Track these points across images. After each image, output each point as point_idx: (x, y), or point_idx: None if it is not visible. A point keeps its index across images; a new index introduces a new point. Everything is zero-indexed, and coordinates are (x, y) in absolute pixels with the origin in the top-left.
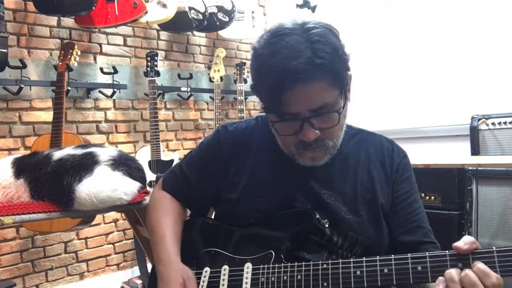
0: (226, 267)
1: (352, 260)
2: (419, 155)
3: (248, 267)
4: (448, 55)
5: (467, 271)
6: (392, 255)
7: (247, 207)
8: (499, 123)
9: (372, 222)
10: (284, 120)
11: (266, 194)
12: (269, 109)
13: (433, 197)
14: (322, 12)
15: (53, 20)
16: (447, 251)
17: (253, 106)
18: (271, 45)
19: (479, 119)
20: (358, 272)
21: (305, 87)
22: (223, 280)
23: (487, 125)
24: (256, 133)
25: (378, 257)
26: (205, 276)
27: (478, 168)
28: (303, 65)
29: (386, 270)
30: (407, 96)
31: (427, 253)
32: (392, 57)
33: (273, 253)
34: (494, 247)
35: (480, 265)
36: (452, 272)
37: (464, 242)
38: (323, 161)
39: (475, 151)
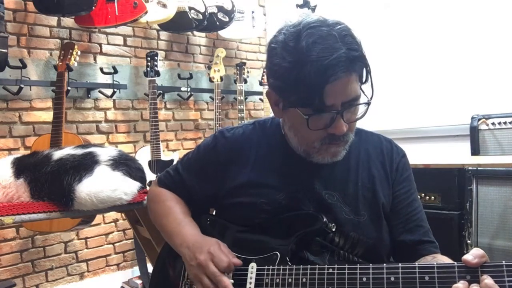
0: None
1: (358, 266)
2: (419, 155)
3: (252, 267)
4: (448, 56)
5: (475, 286)
6: (400, 264)
7: (250, 209)
8: (499, 123)
9: (373, 222)
10: (320, 113)
11: (269, 196)
12: (305, 102)
13: (433, 197)
14: (322, 12)
15: (53, 20)
16: (455, 263)
17: (253, 106)
18: (307, 36)
19: (479, 119)
20: (364, 279)
21: (346, 78)
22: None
23: (487, 125)
24: (254, 137)
25: (385, 265)
26: None
27: (478, 168)
28: (345, 55)
29: (392, 279)
30: (407, 96)
31: (435, 263)
32: (392, 58)
33: (279, 255)
34: (504, 261)
35: (488, 281)
36: (460, 287)
37: (474, 256)
38: (341, 157)
39: (475, 151)
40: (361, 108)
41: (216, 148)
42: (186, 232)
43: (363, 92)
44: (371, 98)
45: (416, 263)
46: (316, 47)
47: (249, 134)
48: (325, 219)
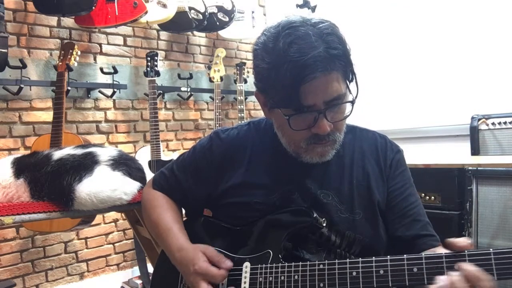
0: None
1: (348, 260)
2: (419, 155)
3: (246, 267)
4: (448, 55)
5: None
6: (388, 256)
7: (244, 209)
8: (499, 123)
9: (369, 220)
10: (300, 113)
11: (263, 196)
12: (285, 102)
13: (433, 197)
14: (322, 12)
15: (53, 20)
16: (443, 253)
17: (253, 106)
18: (285, 36)
19: (479, 119)
20: (354, 273)
21: (324, 77)
22: None
23: (487, 125)
24: (249, 137)
25: (374, 258)
26: None
27: (478, 168)
28: (322, 54)
29: (381, 272)
30: (407, 96)
31: (423, 254)
32: (392, 57)
33: (271, 253)
34: (491, 249)
35: (471, 268)
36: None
37: (458, 240)
38: (330, 157)
39: (475, 151)
40: (348, 107)
41: (211, 149)
42: (173, 245)
43: (349, 91)
44: (356, 97)
45: (405, 255)
46: (292, 47)
47: (243, 135)
48: (315, 215)
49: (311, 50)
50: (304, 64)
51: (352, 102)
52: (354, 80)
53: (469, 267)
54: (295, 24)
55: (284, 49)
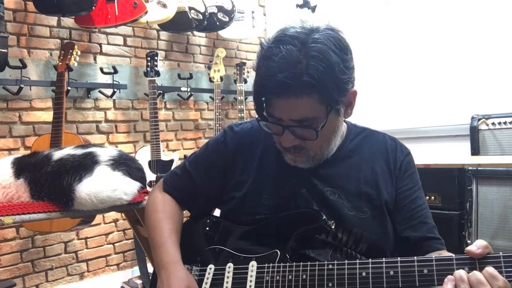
0: (230, 264)
1: (358, 261)
2: (419, 155)
3: (253, 266)
4: (448, 55)
5: (475, 272)
6: (398, 258)
7: (253, 204)
8: (499, 123)
9: (376, 219)
10: (267, 121)
11: (271, 191)
12: (256, 107)
13: (433, 197)
14: (322, 12)
15: (53, 20)
16: (453, 255)
17: (253, 106)
18: (267, 49)
19: (479, 119)
20: (364, 274)
21: (285, 100)
22: (227, 277)
23: (487, 125)
24: (262, 132)
25: (384, 259)
26: (209, 273)
27: (478, 168)
28: (289, 80)
29: (392, 273)
30: (407, 96)
31: (433, 256)
32: (393, 57)
33: (279, 253)
34: (501, 253)
35: (489, 269)
36: (461, 272)
37: (477, 247)
38: (306, 165)
39: (475, 151)
40: (329, 129)
41: (225, 142)
42: (164, 258)
43: (339, 112)
44: (322, 126)
45: (415, 257)
46: (267, 62)
47: (257, 129)
48: (324, 217)
49: (281, 71)
50: (268, 84)
51: (316, 130)
52: (332, 107)
53: (490, 268)
54: (282, 39)
55: (262, 61)
